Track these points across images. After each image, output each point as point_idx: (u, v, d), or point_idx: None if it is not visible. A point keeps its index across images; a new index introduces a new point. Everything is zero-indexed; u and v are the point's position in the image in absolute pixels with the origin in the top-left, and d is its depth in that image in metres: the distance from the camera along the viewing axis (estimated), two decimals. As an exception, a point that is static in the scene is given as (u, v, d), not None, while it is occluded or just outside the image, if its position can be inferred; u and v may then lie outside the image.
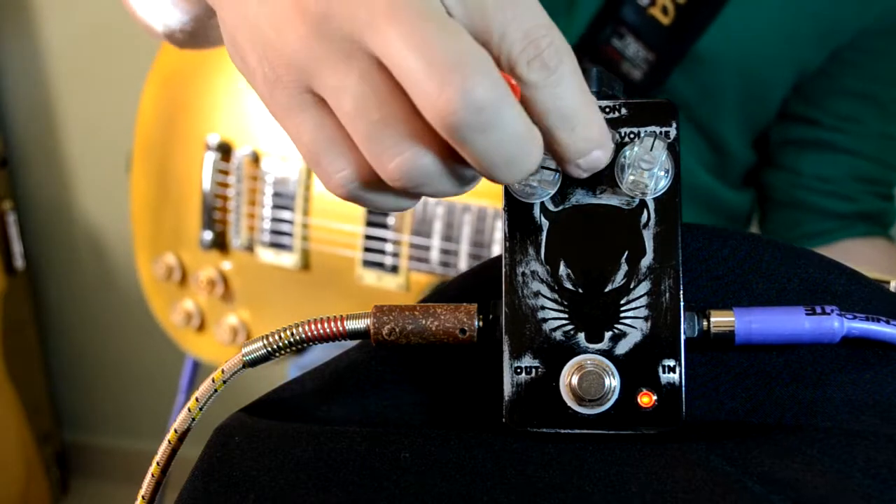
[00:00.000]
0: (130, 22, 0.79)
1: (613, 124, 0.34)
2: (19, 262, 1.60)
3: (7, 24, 1.56)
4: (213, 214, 0.89)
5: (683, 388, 0.32)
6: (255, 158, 0.86)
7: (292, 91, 0.30)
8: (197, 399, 0.35)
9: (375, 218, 0.81)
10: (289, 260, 0.85)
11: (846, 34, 0.71)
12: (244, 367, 0.35)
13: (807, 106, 0.77)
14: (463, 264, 0.77)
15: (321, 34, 0.28)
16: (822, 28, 0.70)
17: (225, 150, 0.87)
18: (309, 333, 0.34)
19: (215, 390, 0.35)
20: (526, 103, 0.29)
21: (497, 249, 0.75)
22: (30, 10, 1.54)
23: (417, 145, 0.28)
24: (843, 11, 0.69)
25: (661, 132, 0.34)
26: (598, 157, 0.30)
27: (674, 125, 0.34)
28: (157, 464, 0.35)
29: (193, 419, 0.35)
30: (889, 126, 0.76)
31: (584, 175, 0.31)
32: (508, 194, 0.34)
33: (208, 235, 0.89)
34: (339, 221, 0.83)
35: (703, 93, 0.73)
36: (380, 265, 0.81)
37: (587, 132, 0.30)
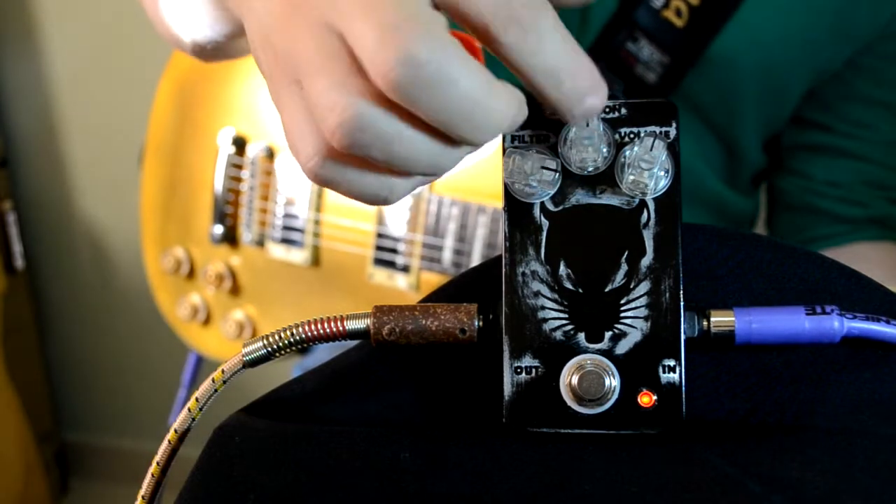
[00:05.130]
0: (131, 24, 0.79)
1: (613, 124, 0.34)
2: (19, 262, 1.60)
3: (8, 24, 1.57)
4: (225, 209, 0.89)
5: (683, 388, 0.32)
6: (270, 154, 0.86)
7: (282, 79, 0.31)
8: (197, 399, 0.35)
9: (389, 216, 0.81)
10: (299, 256, 0.86)
11: (862, 35, 0.71)
12: (244, 367, 0.35)
13: (820, 111, 0.76)
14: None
15: (301, 23, 0.30)
16: (837, 29, 0.70)
17: (240, 145, 0.88)
18: (309, 333, 0.34)
19: (215, 390, 0.35)
20: (511, 65, 0.29)
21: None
22: (31, 11, 1.54)
23: (359, 100, 0.28)
24: (857, 11, 0.69)
25: (660, 132, 0.34)
26: (593, 103, 0.31)
27: (674, 125, 0.34)
28: (157, 464, 0.35)
29: (193, 419, 0.35)
30: None
31: (582, 121, 0.32)
32: (508, 194, 0.34)
33: (219, 230, 0.89)
34: (351, 219, 0.83)
35: (719, 95, 0.73)
36: (391, 264, 0.81)
37: (575, 83, 0.30)
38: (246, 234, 0.88)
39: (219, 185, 0.89)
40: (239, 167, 0.88)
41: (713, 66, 0.71)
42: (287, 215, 0.86)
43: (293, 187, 0.85)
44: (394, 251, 0.81)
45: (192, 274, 0.92)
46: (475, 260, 0.77)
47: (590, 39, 0.71)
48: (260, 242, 0.88)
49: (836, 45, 0.71)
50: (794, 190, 0.79)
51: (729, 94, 0.72)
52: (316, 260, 0.85)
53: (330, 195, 0.84)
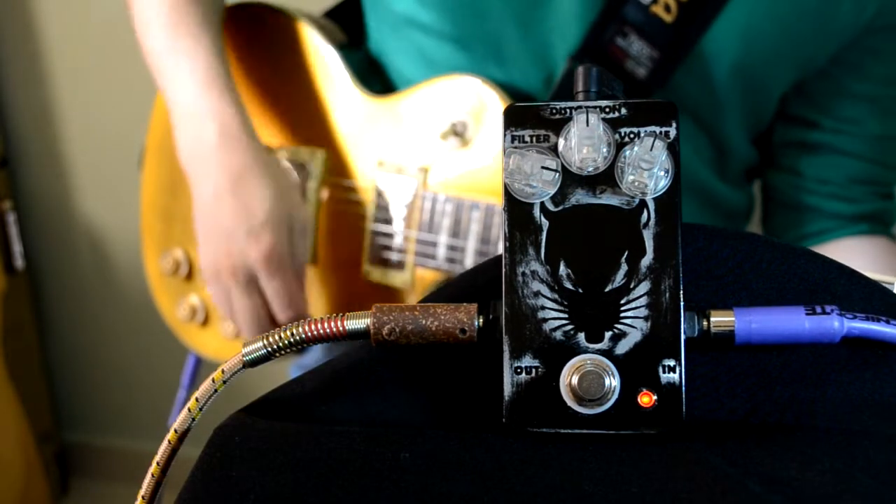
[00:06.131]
0: (131, 24, 0.79)
1: (613, 124, 0.34)
2: (19, 262, 1.60)
3: (7, 24, 1.56)
4: None
5: (683, 388, 0.32)
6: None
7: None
8: (197, 399, 0.35)
9: (382, 214, 0.81)
10: None
11: (846, 31, 0.71)
12: (244, 367, 0.35)
13: (807, 108, 0.77)
14: (469, 261, 0.77)
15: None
16: (821, 24, 0.70)
17: None
18: (309, 333, 0.34)
19: (215, 390, 0.35)
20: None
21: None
22: (30, 10, 1.54)
23: None
24: (841, 6, 0.69)
25: (660, 132, 0.34)
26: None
27: (674, 125, 0.34)
28: (157, 464, 0.35)
29: (193, 419, 0.35)
30: (889, 127, 0.76)
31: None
32: (509, 194, 0.34)
33: None
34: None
35: (706, 90, 0.73)
36: (386, 261, 0.81)
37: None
38: (246, 235, 0.88)
39: None
40: None
41: (700, 60, 0.71)
42: None
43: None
44: (388, 248, 0.81)
45: (190, 275, 0.92)
46: (469, 255, 0.77)
47: (579, 36, 0.72)
48: (259, 242, 0.88)
49: (820, 40, 0.71)
50: (785, 187, 0.80)
51: (714, 88, 0.73)
52: (312, 258, 0.85)
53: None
